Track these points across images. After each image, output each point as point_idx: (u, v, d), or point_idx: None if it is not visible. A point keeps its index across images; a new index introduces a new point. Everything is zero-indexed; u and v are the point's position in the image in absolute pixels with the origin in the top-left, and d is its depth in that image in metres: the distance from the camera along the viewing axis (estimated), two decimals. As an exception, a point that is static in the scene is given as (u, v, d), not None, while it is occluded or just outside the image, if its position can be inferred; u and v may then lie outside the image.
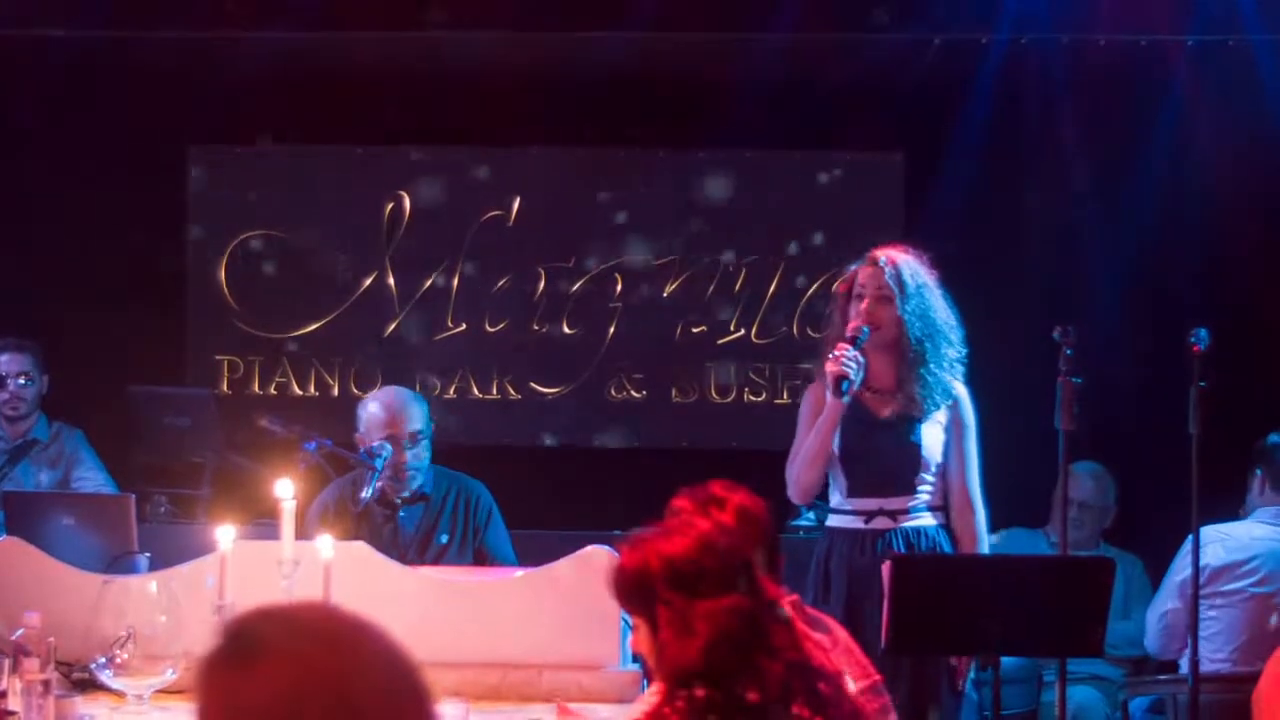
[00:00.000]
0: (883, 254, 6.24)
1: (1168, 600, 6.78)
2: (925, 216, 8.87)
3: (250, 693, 2.03)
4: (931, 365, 6.17)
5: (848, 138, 9.37)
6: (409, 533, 6.77)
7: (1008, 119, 8.92)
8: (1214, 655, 6.67)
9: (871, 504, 6.18)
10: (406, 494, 6.83)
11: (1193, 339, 6.09)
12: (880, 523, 6.16)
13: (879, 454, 6.18)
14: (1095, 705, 7.45)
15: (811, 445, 6.17)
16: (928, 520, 6.19)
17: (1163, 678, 6.97)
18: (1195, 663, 6.18)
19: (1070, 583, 5.68)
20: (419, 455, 6.84)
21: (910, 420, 6.19)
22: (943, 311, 6.24)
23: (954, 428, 6.24)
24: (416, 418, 6.84)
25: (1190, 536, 6.27)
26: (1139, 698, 7.10)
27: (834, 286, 6.43)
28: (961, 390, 6.26)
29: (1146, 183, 8.77)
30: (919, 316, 6.17)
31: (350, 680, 2.04)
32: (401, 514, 6.83)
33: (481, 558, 6.80)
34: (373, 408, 6.86)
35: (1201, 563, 6.59)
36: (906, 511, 6.16)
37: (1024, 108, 8.97)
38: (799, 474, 6.22)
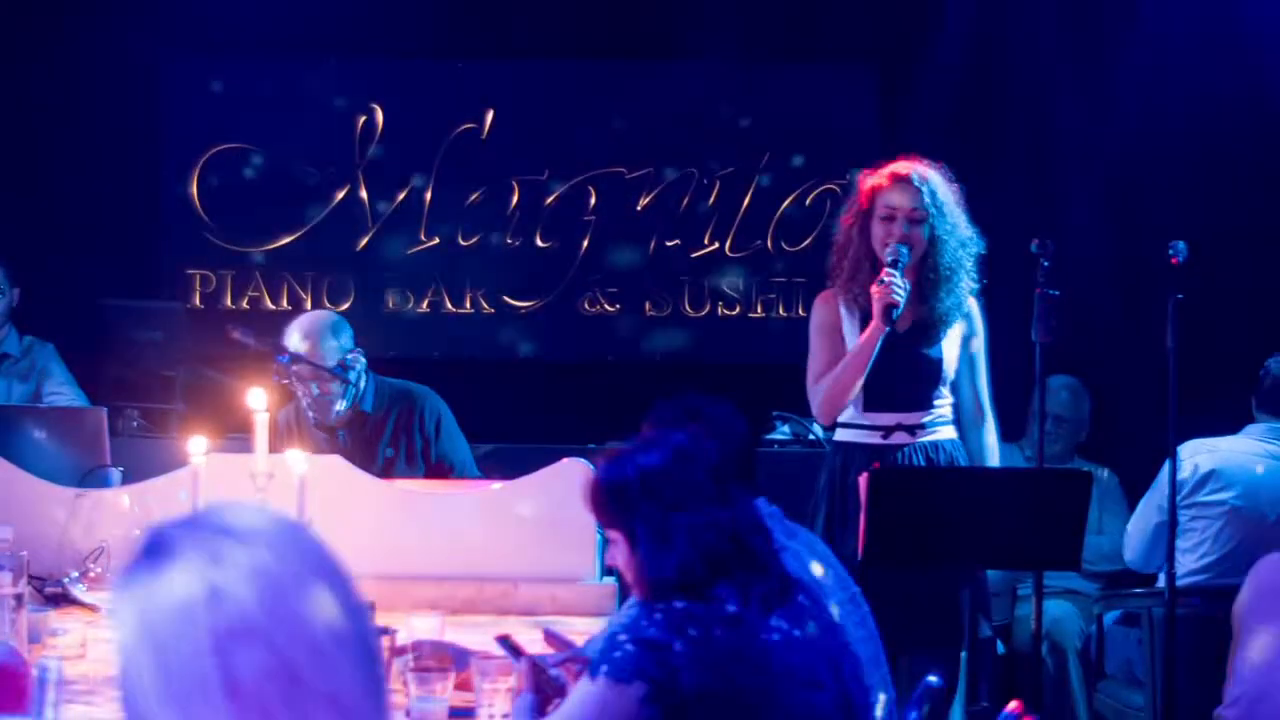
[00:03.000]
0: (913, 171, 6.07)
1: (1157, 512, 6.77)
2: (900, 128, 8.83)
3: (163, 597, 1.98)
4: (954, 281, 6.06)
5: (822, 49, 9.32)
6: (350, 450, 6.68)
7: (984, 29, 8.88)
8: (1193, 566, 6.68)
9: (889, 419, 6.07)
10: (331, 420, 6.77)
11: (1170, 251, 6.06)
12: (899, 438, 6.06)
13: (899, 369, 6.07)
14: (1070, 619, 7.46)
15: (850, 367, 5.98)
16: (945, 435, 6.11)
17: (1138, 590, 6.97)
18: (1171, 576, 6.19)
19: (1047, 496, 5.66)
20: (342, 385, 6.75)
21: (928, 335, 6.09)
22: (967, 227, 6.13)
23: (967, 341, 6.17)
24: (333, 351, 6.74)
25: (1178, 449, 6.27)
26: (1114, 611, 7.11)
27: (852, 197, 6.24)
28: (973, 303, 6.18)
29: (1126, 93, 8.74)
30: (953, 235, 6.06)
31: (271, 580, 1.99)
32: (340, 433, 6.78)
33: (440, 468, 6.74)
34: (293, 339, 6.77)
35: (1186, 473, 6.59)
36: (923, 426, 6.09)
37: (1001, 17, 8.93)
38: (833, 396, 6.03)
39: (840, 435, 6.20)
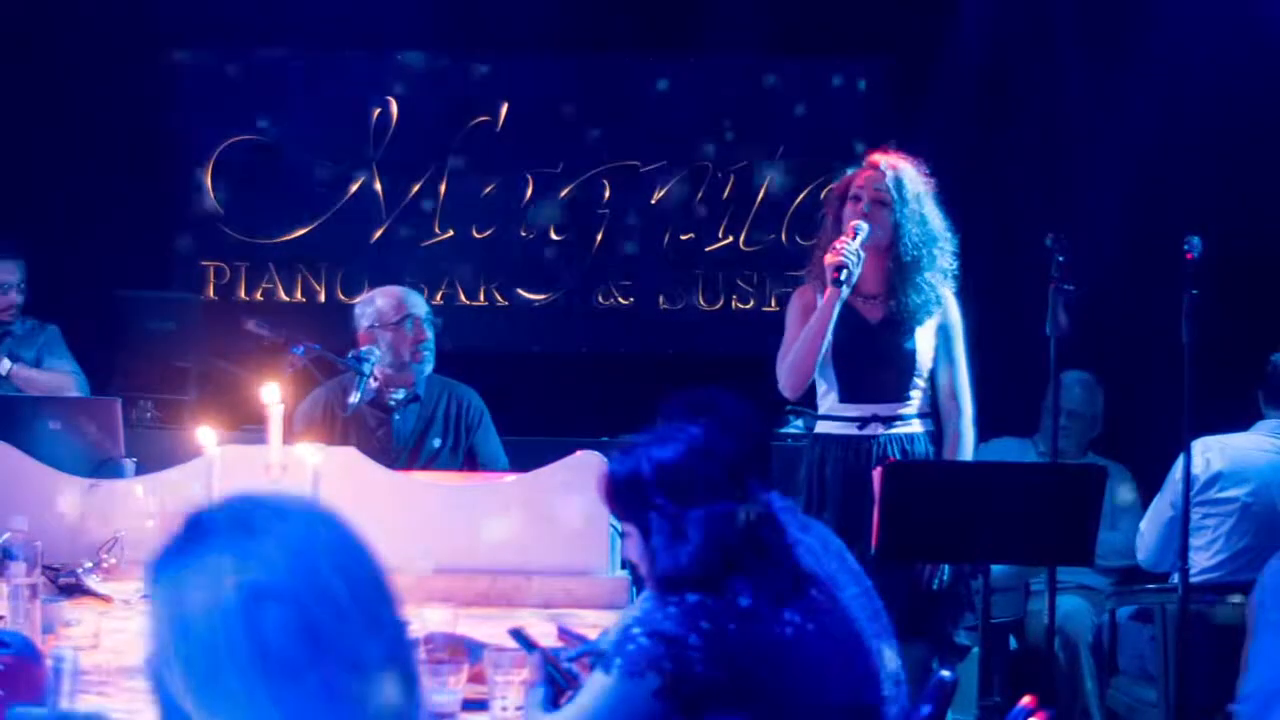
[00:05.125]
0: (883, 159, 6.21)
1: (1169, 509, 6.76)
2: (916, 122, 8.82)
3: (194, 564, 2.01)
4: (926, 273, 6.15)
5: (839, 42, 9.32)
6: (403, 435, 6.74)
7: (1000, 23, 8.87)
8: (1206, 564, 6.67)
9: (865, 410, 6.16)
10: (403, 394, 6.78)
11: (1186, 246, 6.06)
12: (873, 429, 6.15)
13: (872, 359, 6.16)
14: (1082, 614, 7.46)
15: (808, 336, 6.12)
16: (920, 427, 6.18)
17: (1151, 586, 6.97)
18: (1185, 571, 6.19)
19: (1062, 491, 5.66)
20: (430, 337, 6.81)
21: (901, 325, 6.17)
22: (938, 220, 6.22)
23: (943, 332, 6.22)
24: (422, 303, 6.84)
25: (1191, 445, 6.27)
26: (1127, 607, 7.11)
27: (827, 190, 6.40)
28: (950, 296, 6.23)
29: (1143, 87, 8.72)
30: (916, 222, 6.15)
31: (304, 557, 2.02)
32: (396, 416, 6.80)
33: (471, 460, 6.78)
34: (381, 302, 6.81)
35: (1198, 470, 6.58)
36: (899, 418, 6.15)
37: (1017, 11, 8.92)
38: (794, 365, 6.17)
39: (819, 427, 6.31)
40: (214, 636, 1.99)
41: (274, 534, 2.03)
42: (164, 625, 2.04)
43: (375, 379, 6.72)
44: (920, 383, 6.19)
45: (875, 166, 6.19)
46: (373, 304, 6.84)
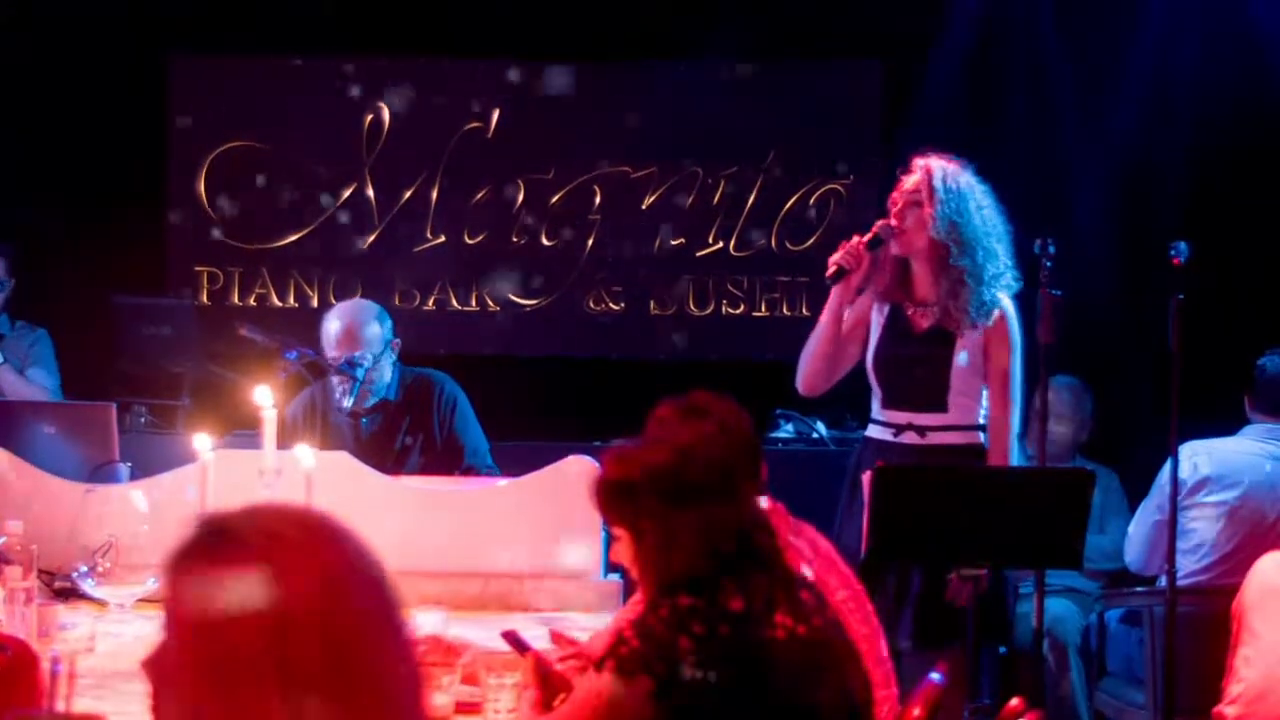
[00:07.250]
0: (921, 161, 6.12)
1: (1157, 512, 6.79)
2: (904, 127, 8.85)
3: (224, 584, 2.02)
4: (968, 278, 6.04)
5: (827, 47, 9.35)
6: (370, 439, 6.73)
7: (988, 28, 8.89)
8: (1193, 567, 6.70)
9: (901, 417, 6.09)
10: (372, 401, 6.81)
11: (1172, 252, 6.08)
12: (908, 437, 6.08)
13: (912, 368, 6.09)
14: (1071, 617, 7.48)
15: (814, 335, 6.12)
16: (958, 439, 6.11)
17: (1139, 589, 7.00)
18: (1172, 574, 6.21)
19: (1050, 494, 5.68)
20: (374, 375, 6.78)
21: (948, 336, 6.09)
22: (984, 222, 6.10)
23: (994, 345, 6.13)
24: (374, 340, 6.77)
25: (1178, 449, 6.30)
26: (1116, 610, 7.14)
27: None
28: (1007, 304, 6.14)
29: (1130, 93, 8.75)
30: (947, 221, 6.02)
31: (328, 571, 2.04)
32: (363, 421, 6.81)
33: (451, 448, 6.77)
34: (331, 327, 6.78)
35: (1186, 473, 6.60)
36: (938, 428, 6.11)
37: (1005, 15, 8.95)
38: (802, 362, 6.19)
39: (868, 430, 6.25)
40: (236, 651, 2.00)
41: (306, 553, 2.04)
42: (178, 629, 2.05)
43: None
44: (962, 396, 6.12)
45: (915, 166, 6.12)
46: (326, 326, 6.81)
